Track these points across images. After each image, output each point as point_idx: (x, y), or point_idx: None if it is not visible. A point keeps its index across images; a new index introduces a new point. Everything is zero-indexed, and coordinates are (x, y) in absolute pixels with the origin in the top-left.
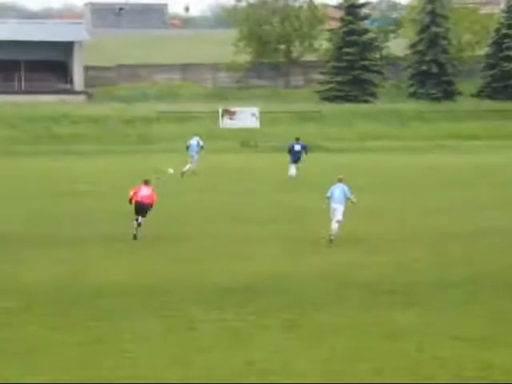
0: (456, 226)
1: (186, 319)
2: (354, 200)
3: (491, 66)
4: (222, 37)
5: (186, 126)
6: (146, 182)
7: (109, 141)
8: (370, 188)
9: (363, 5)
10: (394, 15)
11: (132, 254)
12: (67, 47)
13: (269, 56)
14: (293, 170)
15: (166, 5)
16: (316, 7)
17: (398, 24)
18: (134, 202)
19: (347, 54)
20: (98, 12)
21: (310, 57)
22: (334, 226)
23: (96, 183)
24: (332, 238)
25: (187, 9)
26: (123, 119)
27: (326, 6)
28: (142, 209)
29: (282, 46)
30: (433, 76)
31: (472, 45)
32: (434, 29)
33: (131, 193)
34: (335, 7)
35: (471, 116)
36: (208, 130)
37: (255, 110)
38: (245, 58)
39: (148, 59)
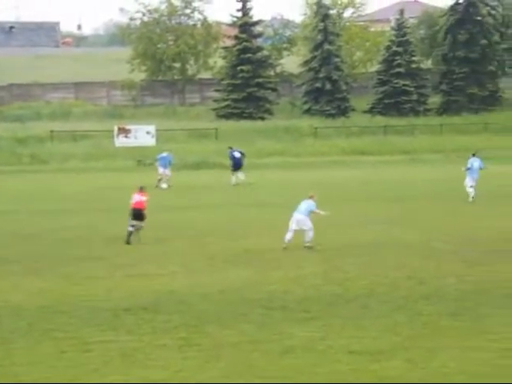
0: (349, 240)
1: (79, 340)
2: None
3: (382, 83)
4: (116, 55)
5: (80, 144)
6: (141, 189)
7: (1, 161)
8: (266, 204)
9: (256, 23)
10: (288, 33)
11: (26, 274)
12: None
13: (164, 74)
14: (234, 178)
15: (57, 23)
16: (210, 25)
17: (291, 42)
18: (130, 208)
19: (242, 71)
20: None
21: (205, 74)
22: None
23: None
24: (307, 245)
25: (79, 27)
26: (15, 138)
27: (219, 23)
28: (135, 214)
29: (177, 64)
30: (326, 93)
31: (364, 62)
32: (326, 46)
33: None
34: (229, 25)
35: (364, 132)
36: (103, 149)
37: (151, 127)
38: (139, 76)
39: (40, 78)
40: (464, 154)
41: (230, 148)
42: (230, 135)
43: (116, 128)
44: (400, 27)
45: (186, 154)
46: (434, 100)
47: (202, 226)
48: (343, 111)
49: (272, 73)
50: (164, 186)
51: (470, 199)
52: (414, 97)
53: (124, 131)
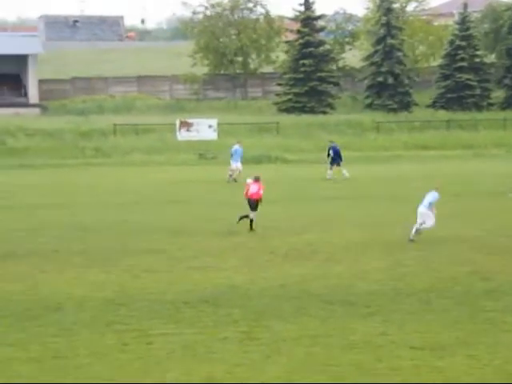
0: (395, 236)
1: (141, 333)
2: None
3: (445, 77)
4: (179, 49)
5: (142, 138)
6: (256, 179)
7: (65, 154)
8: (335, 198)
9: (319, 17)
10: (350, 27)
11: (89, 266)
12: (21, 60)
13: (226, 68)
14: (331, 172)
15: (121, 17)
16: (272, 19)
17: (353, 36)
18: (246, 198)
19: (304, 65)
20: (53, 25)
21: (267, 68)
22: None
23: (50, 196)
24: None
25: (143, 21)
26: (79, 132)
27: (282, 18)
28: (251, 204)
29: (239, 58)
30: (389, 87)
31: (427, 56)
32: (389, 40)
33: (245, 190)
34: (291, 19)
35: (426, 126)
36: (165, 143)
37: (213, 121)
38: (202, 69)
39: (103, 72)
40: None
41: (331, 142)
42: (291, 129)
43: (178, 122)
44: (463, 21)
45: (247, 147)
46: (498, 94)
47: (264, 221)
48: (406, 106)
49: (334, 67)
50: (346, 174)
51: None
52: (478, 91)
53: (186, 125)
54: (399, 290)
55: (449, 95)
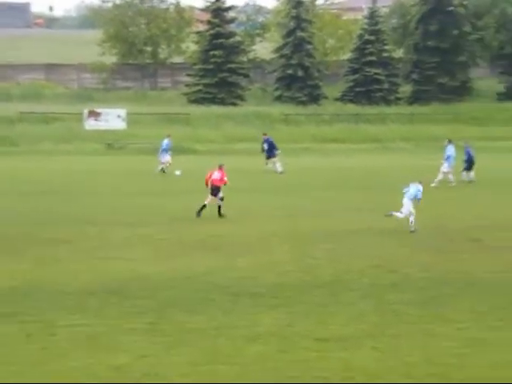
0: (319, 227)
1: (46, 324)
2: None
3: (354, 71)
4: (88, 37)
5: (50, 127)
6: (220, 167)
7: None
8: (240, 190)
9: (229, 8)
10: (260, 19)
11: None
12: None
13: (135, 57)
14: (271, 165)
15: (28, 4)
16: (183, 9)
17: (264, 28)
18: (208, 184)
19: (214, 56)
20: None
21: (177, 59)
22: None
23: None
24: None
25: (51, 8)
26: None
27: (192, 8)
28: (213, 190)
29: (149, 48)
30: (298, 80)
31: (336, 50)
32: (299, 33)
33: (207, 176)
34: (202, 10)
35: (335, 120)
36: (73, 132)
37: (122, 111)
38: (110, 59)
39: (11, 59)
40: (434, 144)
41: (264, 134)
42: (201, 120)
43: (86, 111)
44: (372, 16)
45: (157, 138)
46: (405, 89)
47: (173, 212)
48: (315, 98)
49: (244, 59)
50: (178, 172)
51: (452, 184)
52: (386, 85)
53: (94, 114)
54: (306, 282)
55: (357, 89)
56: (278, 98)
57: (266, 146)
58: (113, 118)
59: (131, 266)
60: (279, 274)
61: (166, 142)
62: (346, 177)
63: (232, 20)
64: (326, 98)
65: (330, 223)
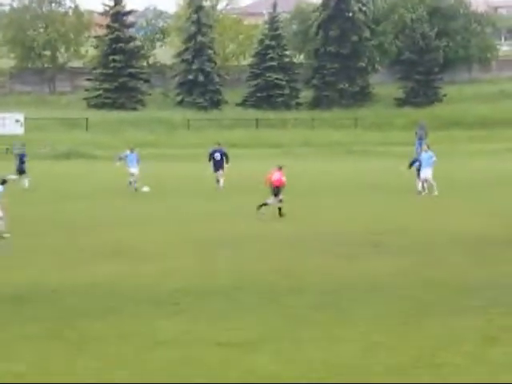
0: (220, 232)
1: None
2: None
3: (255, 76)
4: None
5: None
6: (279, 168)
7: None
8: (143, 196)
9: (129, 12)
10: (161, 24)
11: None
12: None
13: (33, 61)
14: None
15: None
16: (81, 13)
17: (164, 32)
18: (269, 184)
19: (114, 61)
20: None
21: (76, 63)
22: None
23: None
24: None
25: None
26: None
27: (91, 12)
28: (274, 190)
29: (47, 52)
30: (199, 85)
31: (237, 55)
32: (199, 38)
33: (267, 177)
34: (101, 14)
35: (236, 125)
36: None
37: (20, 116)
38: (8, 62)
39: None
40: (335, 149)
41: (218, 144)
42: (101, 125)
43: None
44: (273, 21)
45: (56, 143)
46: (306, 94)
47: (76, 219)
48: (216, 103)
49: (145, 63)
50: (145, 189)
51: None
52: (286, 91)
53: None
54: (207, 288)
55: (258, 94)
56: (180, 103)
57: (218, 157)
58: (11, 123)
59: (32, 273)
60: (181, 280)
61: (126, 154)
62: (247, 182)
63: (132, 24)
64: (227, 103)
65: (232, 228)
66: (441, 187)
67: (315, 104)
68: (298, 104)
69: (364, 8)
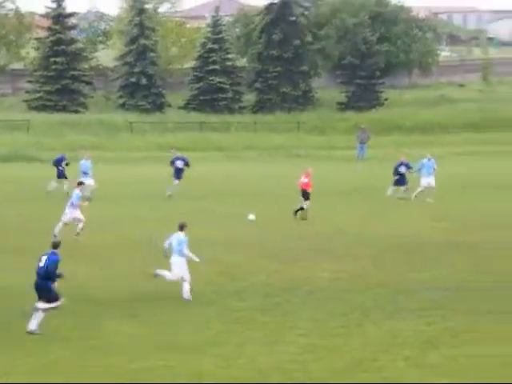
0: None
1: None
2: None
3: (198, 79)
4: None
5: None
6: (307, 173)
7: None
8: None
9: (71, 14)
10: (103, 26)
11: None
12: None
13: None
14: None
15: None
16: (22, 15)
17: (106, 35)
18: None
19: (55, 63)
20: None
21: (17, 65)
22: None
23: None
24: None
25: None
26: None
27: (33, 14)
28: (303, 194)
29: None
30: (142, 87)
31: (180, 58)
32: (142, 41)
33: (299, 181)
34: (42, 16)
35: (179, 128)
36: None
37: None
38: None
39: None
40: (277, 153)
41: (174, 150)
42: (42, 127)
43: None
44: (215, 24)
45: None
46: (249, 98)
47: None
48: (159, 106)
49: (87, 66)
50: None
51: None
52: (230, 94)
53: None
54: (153, 292)
55: (201, 97)
56: (122, 106)
57: (180, 165)
58: None
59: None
60: (127, 285)
61: (82, 162)
62: (187, 186)
63: (73, 27)
64: (170, 106)
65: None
66: (384, 192)
67: (258, 107)
68: (241, 107)
69: (306, 12)
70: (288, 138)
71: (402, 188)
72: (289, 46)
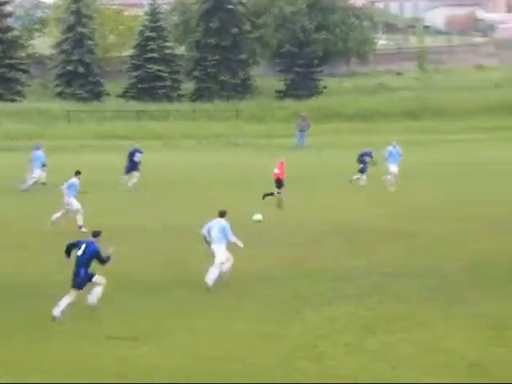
0: (106, 224)
1: None
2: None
3: (136, 68)
4: None
5: None
6: (280, 164)
7: None
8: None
9: (6, 2)
10: (39, 14)
11: None
12: None
13: None
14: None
15: None
16: None
17: (43, 23)
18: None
19: None
20: None
21: None
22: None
23: None
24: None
25: None
26: None
27: None
28: (276, 182)
29: None
30: (79, 76)
31: (118, 46)
32: (79, 29)
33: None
34: None
35: (117, 116)
36: None
37: None
38: None
39: None
40: (216, 141)
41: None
42: None
43: None
44: (153, 12)
45: None
46: (188, 86)
47: None
48: (96, 95)
49: (23, 54)
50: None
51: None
52: (168, 82)
53: None
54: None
55: (140, 86)
56: (59, 95)
57: (137, 158)
58: None
59: None
60: (62, 274)
61: (39, 154)
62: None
63: (9, 14)
64: (108, 94)
65: (122, 221)
66: (328, 179)
67: (197, 96)
68: (180, 96)
69: (244, 0)
70: (227, 127)
71: (364, 176)
72: (227, 35)
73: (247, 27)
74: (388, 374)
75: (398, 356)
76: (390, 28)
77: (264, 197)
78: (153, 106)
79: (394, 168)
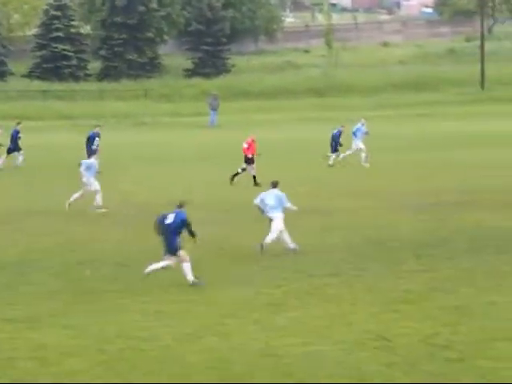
0: (12, 207)
1: None
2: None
3: (41, 47)
4: None
5: None
6: (248, 142)
7: None
8: None
9: None
10: None
11: None
12: None
13: None
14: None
15: None
16: None
17: None
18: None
19: None
20: None
21: None
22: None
23: None
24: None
25: None
26: None
27: None
28: (245, 159)
29: None
30: None
31: (22, 25)
32: None
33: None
34: None
35: (22, 96)
36: None
37: None
38: None
39: None
40: (124, 121)
41: (97, 126)
42: None
43: None
44: None
45: None
46: (95, 65)
47: None
48: (1, 75)
49: None
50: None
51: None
52: (74, 62)
53: None
54: None
55: (45, 65)
56: None
57: (97, 142)
58: None
59: None
60: None
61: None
62: (36, 156)
63: None
64: (12, 74)
65: (21, 203)
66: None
67: (104, 75)
68: (87, 75)
69: None
70: (135, 106)
71: (334, 155)
72: (133, 13)
73: (154, 5)
74: (299, 349)
75: (308, 331)
76: (297, 6)
77: (232, 178)
78: (59, 86)
79: (361, 144)
